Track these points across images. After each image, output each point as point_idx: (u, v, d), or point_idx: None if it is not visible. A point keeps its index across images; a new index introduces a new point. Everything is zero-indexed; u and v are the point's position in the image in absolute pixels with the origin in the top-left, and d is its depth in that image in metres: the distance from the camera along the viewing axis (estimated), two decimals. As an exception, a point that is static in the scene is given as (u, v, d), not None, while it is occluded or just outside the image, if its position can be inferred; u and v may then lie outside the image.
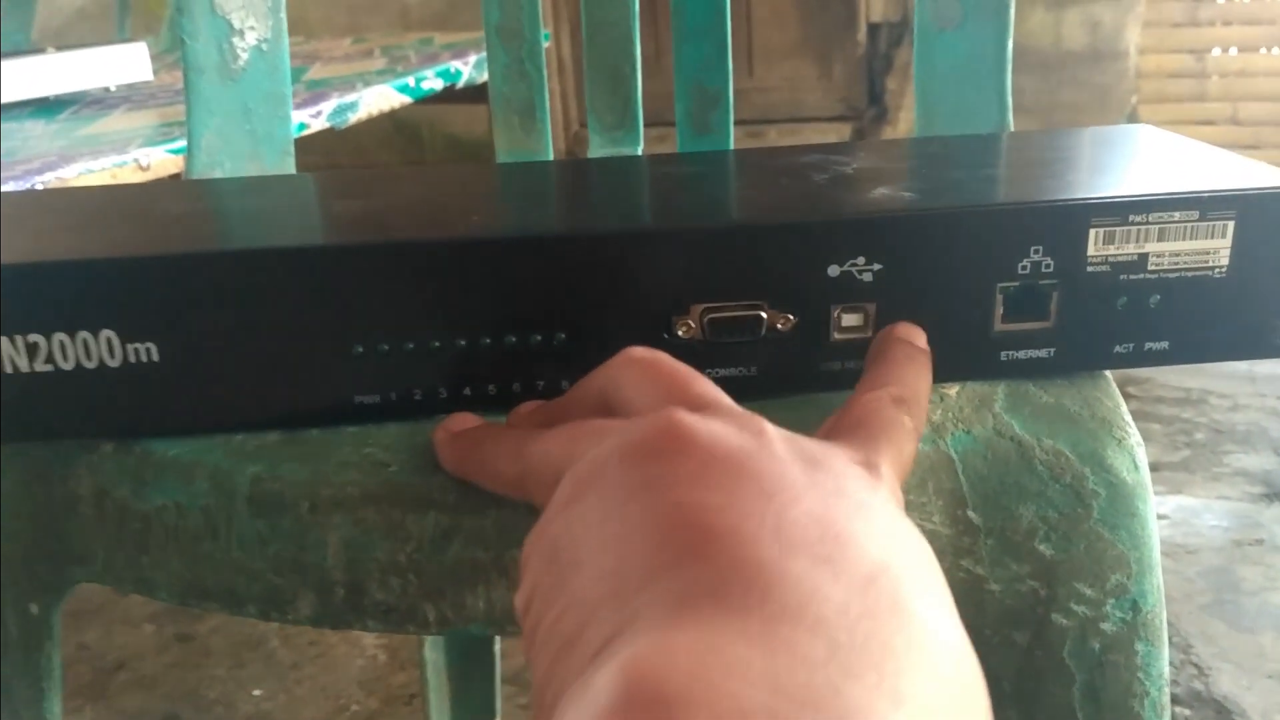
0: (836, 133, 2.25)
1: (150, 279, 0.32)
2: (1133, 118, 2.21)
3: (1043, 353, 0.35)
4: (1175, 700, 0.97)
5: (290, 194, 0.41)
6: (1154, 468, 1.34)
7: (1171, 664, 1.01)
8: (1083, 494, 0.33)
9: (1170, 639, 1.10)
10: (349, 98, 1.04)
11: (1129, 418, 0.35)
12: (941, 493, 0.33)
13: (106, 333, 0.32)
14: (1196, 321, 0.34)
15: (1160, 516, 1.24)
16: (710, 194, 0.40)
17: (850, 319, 0.34)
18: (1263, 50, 2.19)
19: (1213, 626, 1.06)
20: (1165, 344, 0.35)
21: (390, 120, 2.38)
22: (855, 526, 0.22)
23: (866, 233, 0.33)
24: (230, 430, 0.34)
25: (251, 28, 0.63)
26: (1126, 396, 1.34)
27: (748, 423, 0.25)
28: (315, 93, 1.07)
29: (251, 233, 0.36)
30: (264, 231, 0.35)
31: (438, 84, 1.21)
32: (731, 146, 0.69)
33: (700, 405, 0.26)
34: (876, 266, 0.33)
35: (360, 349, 0.33)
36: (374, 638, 1.11)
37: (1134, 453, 0.34)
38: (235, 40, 0.63)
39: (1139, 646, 0.34)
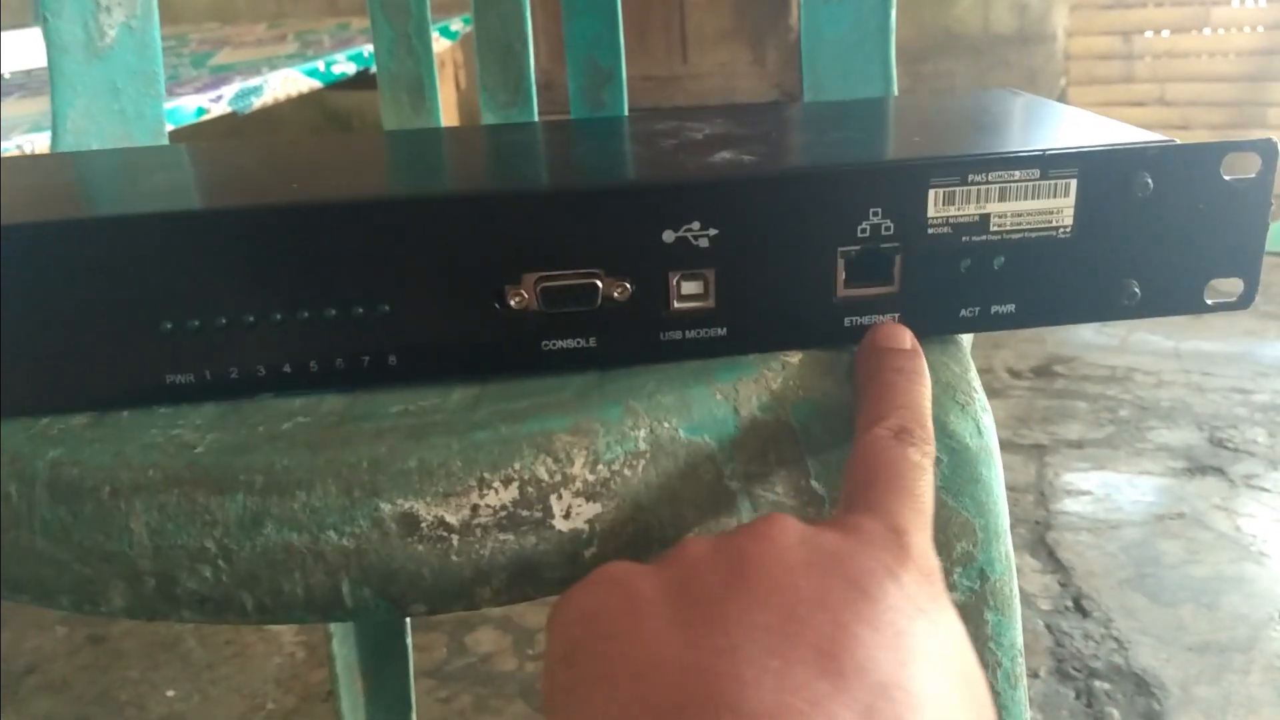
0: (772, 118, 2.25)
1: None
2: (1062, 99, 2.23)
3: (887, 317, 0.34)
4: (1094, 674, 0.97)
5: (115, 167, 0.39)
6: (1079, 445, 1.35)
7: (1092, 638, 1.02)
8: (925, 461, 0.32)
9: (1091, 613, 1.10)
10: (253, 81, 1.02)
11: (976, 383, 0.34)
12: (783, 462, 0.32)
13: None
14: (1043, 283, 0.34)
15: (1083, 493, 1.25)
16: (550, 159, 0.38)
17: (689, 286, 0.33)
18: (1193, 32, 2.22)
19: (1133, 600, 1.07)
20: (1012, 306, 0.34)
21: (320, 109, 2.34)
22: (862, 647, 0.22)
23: (700, 197, 0.32)
24: (35, 414, 0.32)
25: (119, 4, 0.61)
26: (1053, 375, 1.34)
27: (759, 527, 0.25)
28: (218, 77, 1.05)
29: (51, 206, 0.34)
30: (64, 204, 0.33)
31: (350, 67, 1.18)
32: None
33: None
34: (713, 232, 0.32)
35: (169, 325, 0.31)
36: (292, 634, 1.08)
37: (978, 418, 0.33)
38: (102, 17, 0.60)
39: (988, 616, 0.33)
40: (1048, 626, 1.03)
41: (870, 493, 0.27)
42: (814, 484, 0.33)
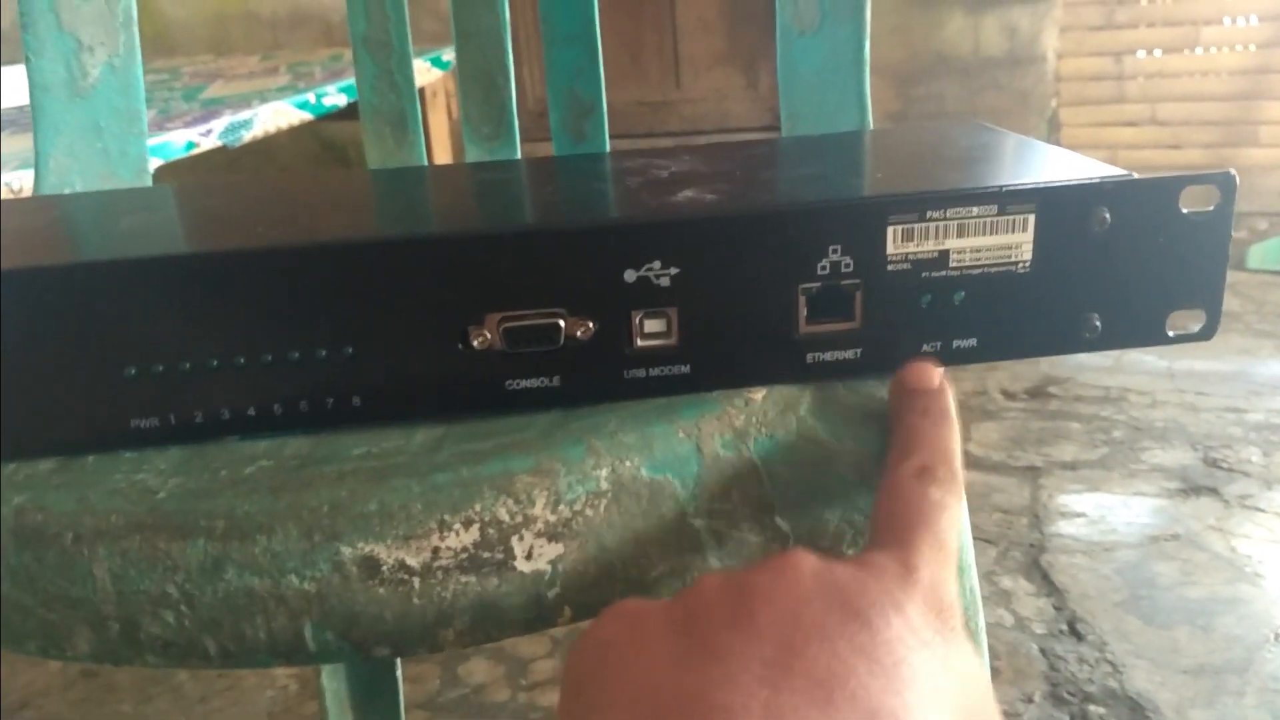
0: (765, 142, 2.26)
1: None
2: (1053, 121, 2.24)
3: (849, 353, 0.34)
4: (1089, 698, 0.97)
5: (81, 211, 0.40)
6: (1072, 466, 1.35)
7: (1086, 662, 1.01)
8: (888, 497, 0.32)
9: (1085, 636, 1.10)
10: (242, 115, 1.03)
11: (939, 418, 0.34)
12: (748, 500, 0.32)
13: None
14: (1004, 317, 0.34)
15: (1077, 514, 1.25)
16: (512, 200, 0.39)
17: (652, 325, 0.33)
18: (1184, 51, 2.23)
19: (1128, 623, 1.06)
20: (973, 341, 0.34)
21: (316, 140, 2.36)
22: (855, 676, 0.22)
23: (660, 236, 0.32)
24: (1, 460, 0.32)
25: (102, 44, 0.61)
26: (1047, 396, 1.34)
27: (774, 562, 0.26)
28: (208, 110, 1.05)
29: (12, 253, 0.34)
30: (26, 251, 0.33)
31: (341, 99, 1.19)
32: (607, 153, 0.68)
33: None
34: (674, 270, 0.32)
35: (133, 370, 0.31)
36: (285, 668, 1.08)
37: (940, 453, 0.33)
38: (84, 57, 0.61)
39: (955, 651, 0.33)
40: (1042, 651, 1.03)
41: (890, 530, 0.28)
42: (779, 520, 0.33)
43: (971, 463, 1.37)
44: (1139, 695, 0.97)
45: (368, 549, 0.29)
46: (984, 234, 0.33)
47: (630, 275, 0.32)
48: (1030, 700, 0.97)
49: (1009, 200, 0.32)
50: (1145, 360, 1.64)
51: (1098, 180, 0.33)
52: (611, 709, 0.23)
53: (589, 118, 0.68)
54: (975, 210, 0.32)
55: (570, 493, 0.30)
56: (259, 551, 0.29)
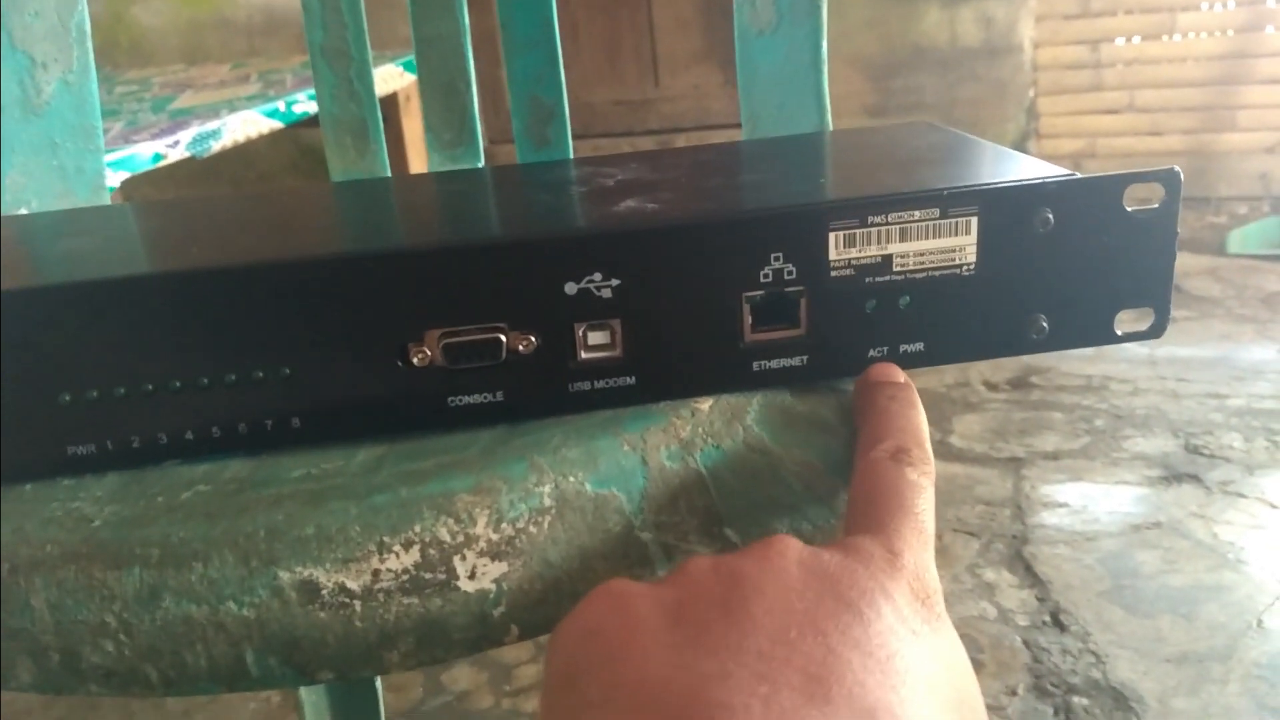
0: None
1: None
2: (1032, 110, 2.24)
3: (796, 360, 0.33)
4: (1073, 690, 0.97)
5: (19, 235, 0.39)
6: (1054, 456, 1.35)
7: (1069, 653, 1.01)
8: (835, 505, 0.32)
9: (1069, 627, 1.10)
10: (210, 125, 1.02)
11: (887, 423, 0.34)
12: (695, 511, 0.32)
13: None
14: (950, 321, 0.34)
15: (1060, 505, 1.25)
16: (452, 213, 0.38)
17: (596, 336, 0.33)
18: (1163, 38, 2.23)
19: (1110, 613, 1.06)
20: (920, 345, 0.34)
21: (295, 145, 2.35)
22: (851, 672, 0.22)
23: (599, 248, 0.32)
24: (-63, 491, 0.32)
25: (55, 60, 0.61)
26: (1030, 386, 1.34)
27: (760, 549, 0.26)
28: (176, 122, 1.04)
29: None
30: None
31: (311, 106, 1.19)
32: (571, 157, 0.68)
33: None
34: (615, 282, 0.32)
35: (67, 397, 0.31)
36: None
37: (888, 460, 0.33)
38: (38, 74, 0.60)
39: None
40: (1025, 643, 1.03)
41: (870, 513, 0.28)
42: (728, 531, 0.32)
43: (954, 455, 1.37)
44: (1122, 685, 0.97)
45: (306, 573, 0.29)
46: (927, 238, 0.32)
47: (571, 288, 0.32)
48: (1014, 693, 0.97)
49: (950, 203, 0.32)
50: (1127, 347, 1.64)
51: (1039, 181, 0.32)
52: (605, 706, 0.23)
53: (551, 122, 0.68)
54: (917, 214, 0.32)
55: (512, 510, 0.30)
56: (195, 579, 0.29)
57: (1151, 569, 1.12)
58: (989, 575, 1.13)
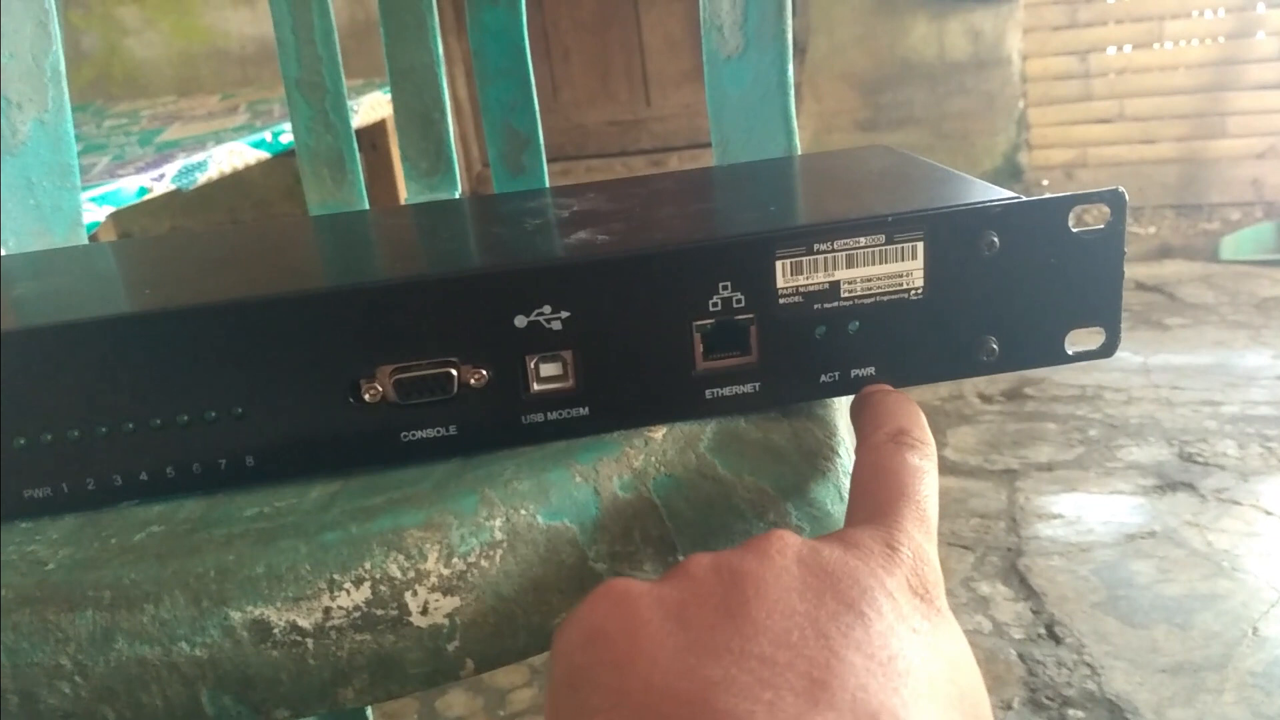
0: (737, 155, 2.27)
1: None
2: (1022, 122, 2.25)
3: (748, 388, 0.34)
4: (1068, 702, 0.96)
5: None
6: (1048, 467, 1.35)
7: (1064, 665, 1.01)
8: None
9: (1063, 639, 1.10)
10: (196, 157, 1.02)
11: (840, 447, 0.34)
12: (649, 540, 0.32)
13: None
14: (900, 345, 0.34)
15: (1054, 516, 1.24)
16: (402, 247, 0.38)
17: (548, 368, 0.33)
18: (1152, 46, 2.24)
19: (1105, 624, 1.06)
20: (871, 369, 0.34)
21: (290, 172, 2.36)
22: (855, 675, 0.22)
23: (547, 281, 0.32)
24: (-105, 537, 0.32)
25: (30, 100, 0.61)
26: (1024, 398, 1.34)
27: (760, 544, 0.26)
28: (163, 154, 1.05)
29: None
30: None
31: (297, 137, 1.19)
32: (546, 185, 0.68)
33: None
34: (565, 314, 0.32)
35: (22, 441, 0.31)
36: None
37: (839, 484, 0.33)
38: (13, 114, 0.61)
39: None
40: (1020, 656, 1.03)
41: (872, 501, 0.28)
42: (681, 559, 0.32)
43: (948, 468, 1.37)
44: (1117, 697, 0.96)
45: (257, 612, 0.29)
46: (874, 263, 0.33)
47: (521, 321, 0.32)
48: (1009, 707, 0.97)
49: (895, 229, 0.32)
50: (1121, 356, 1.64)
51: (983, 204, 0.33)
52: (612, 713, 0.23)
53: (526, 150, 0.68)
54: (863, 240, 0.32)
55: (463, 545, 0.30)
56: (147, 620, 0.29)
57: (1146, 579, 1.12)
58: (984, 589, 1.13)
